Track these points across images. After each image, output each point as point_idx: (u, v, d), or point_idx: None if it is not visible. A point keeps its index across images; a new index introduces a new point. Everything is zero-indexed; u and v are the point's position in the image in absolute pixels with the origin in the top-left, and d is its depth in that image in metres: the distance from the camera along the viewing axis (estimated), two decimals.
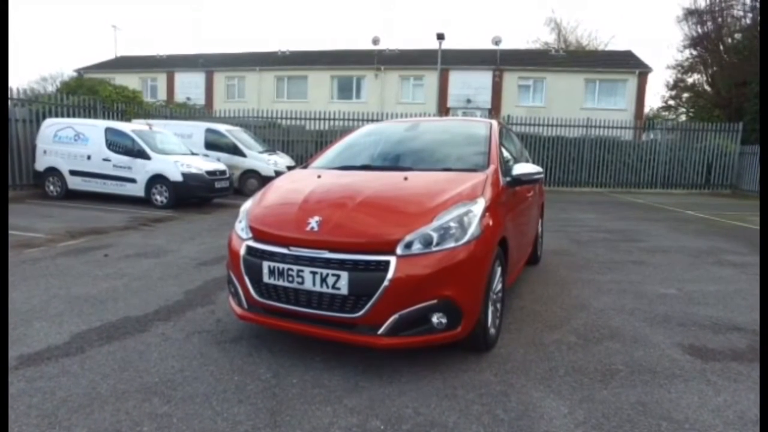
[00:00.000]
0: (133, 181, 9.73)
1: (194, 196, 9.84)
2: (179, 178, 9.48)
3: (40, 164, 10.31)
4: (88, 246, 5.91)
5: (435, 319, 2.63)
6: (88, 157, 9.89)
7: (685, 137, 18.85)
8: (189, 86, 29.21)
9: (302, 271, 2.66)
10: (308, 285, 2.65)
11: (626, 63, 26.42)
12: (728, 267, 5.71)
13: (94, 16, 68.80)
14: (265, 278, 2.77)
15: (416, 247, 2.62)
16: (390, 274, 2.53)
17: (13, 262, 4.95)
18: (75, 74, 27.48)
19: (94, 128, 10.08)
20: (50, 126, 10.34)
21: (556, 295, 4.40)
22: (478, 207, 2.88)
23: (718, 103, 26.74)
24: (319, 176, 3.48)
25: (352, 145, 4.25)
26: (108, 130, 9.98)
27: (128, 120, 13.36)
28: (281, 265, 2.71)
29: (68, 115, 11.78)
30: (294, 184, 3.44)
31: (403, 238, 2.63)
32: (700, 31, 26.90)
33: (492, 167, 3.44)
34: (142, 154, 9.68)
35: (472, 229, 2.75)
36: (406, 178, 3.25)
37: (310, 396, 2.49)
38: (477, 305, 2.77)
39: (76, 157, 9.97)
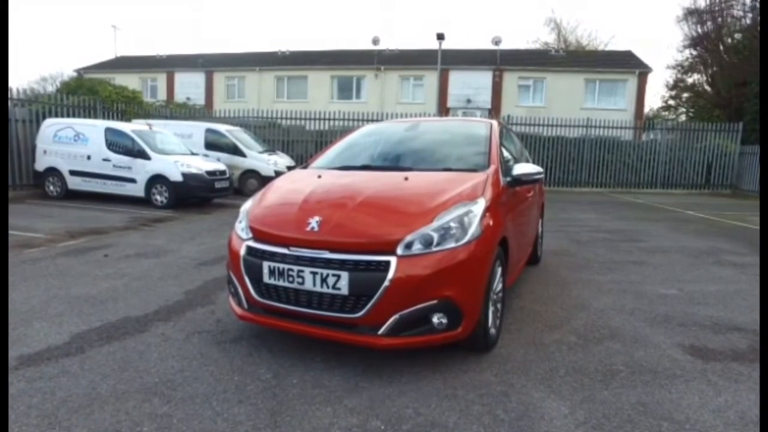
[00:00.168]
0: (133, 181, 9.73)
1: (194, 196, 9.84)
2: (179, 178, 9.47)
3: (40, 164, 10.31)
4: (88, 246, 5.91)
5: (435, 319, 2.63)
6: (88, 157, 9.89)
7: (685, 137, 18.85)
8: (189, 86, 29.21)
9: (302, 271, 2.65)
10: (308, 285, 2.65)
11: (626, 63, 26.42)
12: (728, 267, 5.71)
13: (94, 16, 68.90)
14: (266, 278, 2.77)
15: (416, 248, 2.62)
16: (390, 275, 2.53)
17: (13, 262, 4.95)
18: (75, 74, 27.49)
19: (94, 128, 10.07)
20: (50, 126, 10.34)
21: (556, 295, 4.40)
22: (479, 207, 2.88)
23: (718, 103, 26.75)
24: (319, 176, 3.47)
25: (352, 145, 4.25)
26: (108, 130, 9.98)
27: (128, 120, 13.36)
28: (281, 266, 2.71)
29: (68, 115, 11.77)
30: (294, 184, 3.43)
31: (403, 239, 2.62)
32: (700, 31, 26.93)
33: (492, 167, 3.43)
34: (142, 154, 9.68)
35: (473, 230, 2.75)
36: (406, 178, 3.25)
37: (311, 396, 2.48)
38: (477, 305, 2.76)
39: (76, 157, 9.96)
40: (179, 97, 28.06)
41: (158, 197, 9.60)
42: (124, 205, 9.49)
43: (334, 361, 2.87)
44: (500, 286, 3.19)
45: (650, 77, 27.05)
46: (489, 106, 25.97)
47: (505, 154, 4.04)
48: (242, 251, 2.90)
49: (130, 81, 25.08)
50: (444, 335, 2.67)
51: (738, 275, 5.32)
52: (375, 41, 27.70)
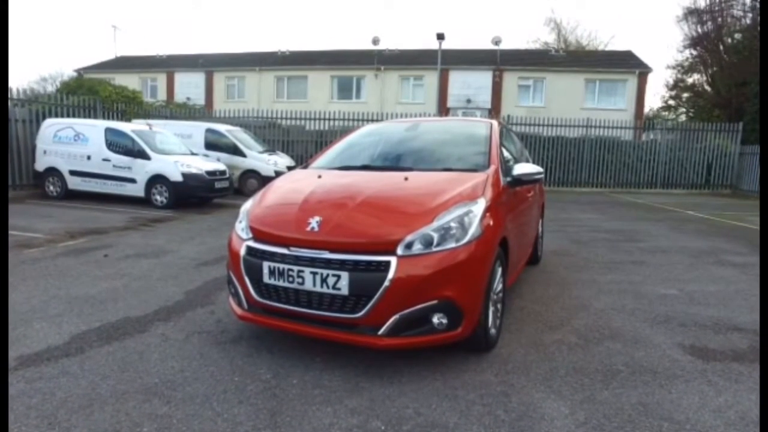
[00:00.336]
0: (133, 181, 9.73)
1: (194, 196, 9.84)
2: (179, 178, 9.47)
3: (40, 164, 10.30)
4: (87, 246, 5.91)
5: (436, 319, 2.62)
6: (88, 158, 9.88)
7: (685, 137, 18.84)
8: (189, 86, 29.19)
9: (302, 271, 2.65)
10: (308, 285, 2.65)
11: (626, 63, 26.41)
12: (729, 267, 5.71)
13: (94, 16, 68.86)
14: (266, 278, 2.76)
15: (417, 248, 2.62)
16: (390, 275, 2.53)
17: (12, 262, 4.94)
18: (75, 74, 27.49)
19: (94, 128, 10.07)
20: (50, 126, 10.33)
21: (556, 295, 4.39)
22: (479, 207, 2.88)
23: (718, 103, 26.74)
24: (319, 176, 3.47)
25: (353, 146, 4.25)
26: (108, 130, 9.97)
27: (128, 120, 13.36)
28: (281, 266, 2.71)
29: (68, 116, 11.77)
30: (294, 185, 3.43)
31: (403, 239, 2.62)
32: (700, 31, 26.95)
33: (492, 167, 3.43)
34: (142, 155, 9.67)
35: (473, 230, 2.75)
36: (406, 179, 3.25)
37: (311, 396, 2.48)
38: (477, 306, 2.76)
39: (76, 157, 9.96)
40: (179, 97, 28.05)
41: (158, 197, 9.60)
42: (124, 205, 9.49)
43: (334, 361, 2.87)
44: (500, 286, 3.18)
45: (650, 77, 27.09)
46: (489, 106, 25.96)
47: (505, 154, 4.04)
48: (242, 251, 2.90)
49: (130, 81, 25.07)
50: (444, 335, 2.67)
51: (738, 275, 5.32)
52: (375, 41, 27.70)
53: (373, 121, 14.96)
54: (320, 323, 2.72)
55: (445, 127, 4.62)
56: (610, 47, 35.21)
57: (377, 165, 3.78)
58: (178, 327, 3.38)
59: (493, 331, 3.05)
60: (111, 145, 9.84)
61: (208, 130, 13.19)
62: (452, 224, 2.72)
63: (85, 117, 12.09)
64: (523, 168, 3.70)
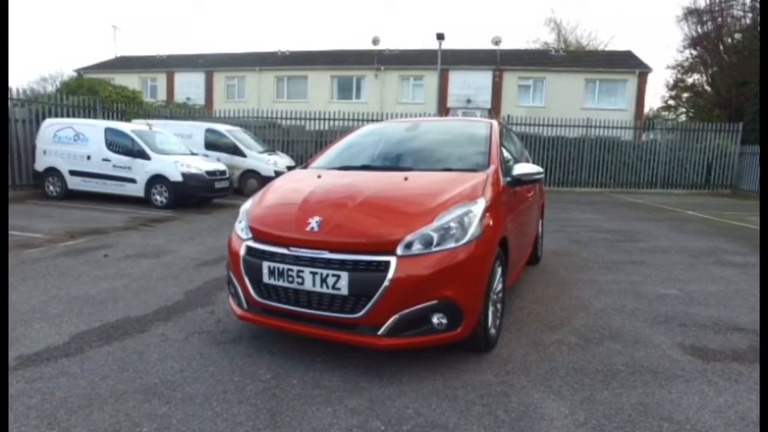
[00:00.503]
0: (132, 181, 9.72)
1: (194, 196, 9.83)
2: (179, 178, 9.47)
3: (40, 164, 10.30)
4: (87, 246, 5.91)
5: (435, 319, 2.62)
6: (88, 158, 9.88)
7: (685, 137, 18.84)
8: (189, 86, 29.18)
9: (302, 271, 2.65)
10: (308, 285, 2.65)
11: (626, 63, 26.41)
12: (729, 267, 5.70)
13: (94, 16, 68.86)
14: (265, 278, 2.76)
15: (416, 248, 2.62)
16: (390, 275, 2.53)
17: (12, 262, 4.94)
18: (75, 74, 27.48)
19: (94, 128, 10.07)
20: (50, 126, 10.33)
21: (556, 295, 4.39)
22: (479, 207, 2.88)
23: (718, 103, 26.75)
24: (319, 176, 3.47)
25: (352, 145, 4.25)
26: (108, 130, 9.97)
27: (128, 120, 13.35)
28: (281, 266, 2.71)
29: (68, 115, 11.76)
30: (294, 185, 3.43)
31: (403, 239, 2.62)
32: (700, 31, 26.95)
33: (492, 167, 3.43)
34: (141, 154, 9.67)
35: (473, 230, 2.75)
36: (406, 178, 3.25)
37: (310, 397, 2.48)
38: (477, 305, 2.76)
39: (76, 157, 9.96)
40: (179, 97, 28.04)
41: (158, 197, 9.60)
42: (124, 205, 9.49)
43: (334, 361, 2.87)
44: (500, 286, 3.18)
45: (650, 77, 27.09)
46: (489, 106, 25.96)
47: (505, 154, 4.03)
48: (242, 251, 2.90)
49: (130, 81, 25.07)
50: (444, 335, 2.66)
51: (738, 275, 5.32)
52: (375, 41, 27.70)
53: (373, 121, 14.95)
54: (320, 323, 2.72)
55: (445, 127, 4.62)
56: (610, 47, 35.27)
57: (377, 165, 3.78)
58: (177, 327, 3.38)
59: (492, 331, 3.05)
60: (111, 145, 9.83)
61: (208, 130, 13.18)
62: (452, 224, 2.72)
63: (85, 117, 12.09)
64: (522, 168, 3.69)
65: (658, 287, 4.74)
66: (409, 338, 2.64)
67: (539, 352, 3.10)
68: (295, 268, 2.67)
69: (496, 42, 26.56)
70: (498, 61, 26.41)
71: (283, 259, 2.72)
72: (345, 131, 6.88)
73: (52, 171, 10.20)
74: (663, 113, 34.86)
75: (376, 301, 2.54)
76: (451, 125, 4.76)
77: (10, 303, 3.71)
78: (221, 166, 10.52)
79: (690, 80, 31.07)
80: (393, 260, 2.56)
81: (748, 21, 25.09)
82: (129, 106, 15.29)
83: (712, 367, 2.94)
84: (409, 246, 2.61)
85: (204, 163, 10.17)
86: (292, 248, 2.72)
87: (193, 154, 10.87)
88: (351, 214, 2.81)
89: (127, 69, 30.19)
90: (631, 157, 18.37)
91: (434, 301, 2.59)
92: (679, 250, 6.67)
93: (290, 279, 2.68)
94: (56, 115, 11.44)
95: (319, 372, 2.75)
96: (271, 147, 14.76)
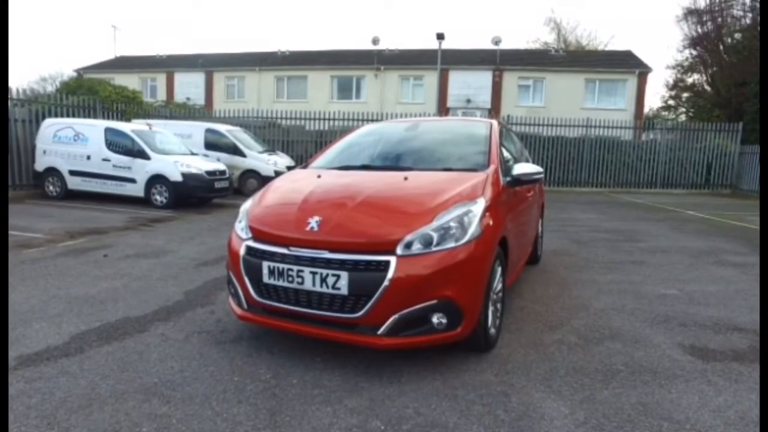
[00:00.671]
0: (132, 181, 9.72)
1: (194, 196, 9.83)
2: (179, 178, 9.47)
3: (40, 164, 10.30)
4: (87, 246, 5.91)
5: (435, 319, 2.62)
6: (88, 157, 9.88)
7: (685, 137, 18.84)
8: (189, 86, 29.19)
9: (302, 271, 2.65)
10: (308, 285, 2.65)
11: (626, 63, 26.41)
12: (729, 267, 5.70)
13: (94, 16, 68.83)
14: (265, 278, 2.76)
15: (416, 247, 2.62)
16: (390, 274, 2.53)
17: (12, 262, 4.94)
18: (75, 74, 27.48)
19: (94, 128, 10.07)
20: (50, 126, 10.33)
21: (556, 295, 4.39)
22: (479, 207, 2.88)
23: (718, 103, 26.75)
24: (319, 176, 3.47)
25: (352, 145, 4.25)
26: (107, 130, 9.97)
27: (128, 120, 13.35)
28: (281, 266, 2.71)
29: (68, 115, 11.76)
30: (294, 184, 3.43)
31: (403, 238, 2.62)
32: (700, 31, 26.96)
33: (492, 167, 3.43)
34: (141, 154, 9.67)
35: (472, 229, 2.75)
36: (406, 178, 3.25)
37: (310, 396, 2.48)
38: (477, 305, 2.76)
39: (76, 157, 9.96)
40: (179, 97, 28.04)
41: (158, 197, 9.60)
42: (124, 205, 9.49)
43: (334, 361, 2.87)
44: (500, 285, 3.18)
45: (650, 77, 27.10)
46: (489, 106, 25.96)
47: (505, 154, 4.03)
48: (242, 251, 2.90)
49: (129, 81, 25.07)
50: (444, 335, 2.66)
51: (738, 275, 5.32)
52: (375, 41, 27.70)
53: (373, 121, 14.95)
54: (320, 323, 2.72)
55: (445, 127, 4.62)
56: (610, 47, 35.27)
57: (377, 165, 3.78)
58: (177, 327, 3.38)
59: (492, 330, 3.05)
60: (111, 145, 9.83)
61: (208, 130, 13.19)
62: (452, 224, 2.72)
63: (84, 117, 12.09)
64: (522, 168, 3.69)
65: (658, 287, 4.74)
66: (409, 338, 2.64)
67: (539, 351, 3.10)
68: (295, 267, 2.67)
69: (496, 42, 26.55)
70: (498, 61, 26.41)
71: (283, 258, 2.72)
72: (345, 131, 6.89)
73: (51, 171, 10.21)
74: (663, 113, 34.88)
75: (376, 301, 2.54)
76: (451, 125, 4.76)
77: (10, 303, 3.71)
78: (221, 166, 10.52)
79: (690, 80, 31.12)
80: (393, 260, 2.56)
81: (747, 21, 25.11)
82: (129, 106, 15.30)
83: (711, 366, 2.94)
84: (408, 246, 2.61)
85: (204, 163, 10.17)
86: (292, 248, 2.72)
87: (193, 154, 10.87)
88: (351, 214, 2.81)
89: (127, 69, 30.19)
90: (630, 156, 18.38)
91: (434, 301, 2.59)
92: (679, 250, 6.67)
93: (290, 279, 2.68)
94: (56, 115, 11.44)
95: (318, 372, 2.75)
96: (271, 147, 14.76)
